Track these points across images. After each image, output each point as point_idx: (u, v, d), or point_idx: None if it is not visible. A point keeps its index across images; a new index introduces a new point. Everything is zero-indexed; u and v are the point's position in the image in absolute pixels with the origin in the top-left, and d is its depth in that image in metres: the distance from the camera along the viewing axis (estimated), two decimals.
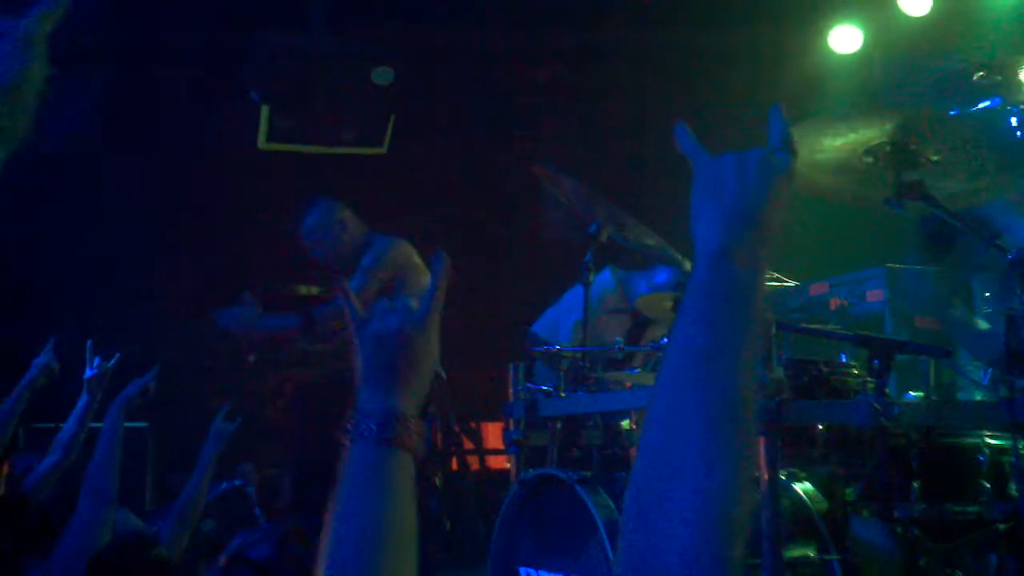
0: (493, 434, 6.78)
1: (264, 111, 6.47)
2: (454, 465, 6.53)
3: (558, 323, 4.89)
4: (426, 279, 5.35)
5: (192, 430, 5.05)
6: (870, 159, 3.28)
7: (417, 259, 5.68)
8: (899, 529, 3.16)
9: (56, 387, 4.49)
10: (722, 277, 1.23)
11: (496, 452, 6.66)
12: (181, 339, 7.13)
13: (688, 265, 4.06)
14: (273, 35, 6.46)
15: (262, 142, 6.62)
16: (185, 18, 6.40)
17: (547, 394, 4.03)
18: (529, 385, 4.06)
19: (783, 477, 3.40)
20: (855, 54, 6.25)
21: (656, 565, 1.05)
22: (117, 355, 4.33)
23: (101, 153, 7.05)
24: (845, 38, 6.26)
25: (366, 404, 1.37)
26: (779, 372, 3.11)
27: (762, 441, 3.03)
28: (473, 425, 6.60)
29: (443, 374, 5.34)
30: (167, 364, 6.97)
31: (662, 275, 4.81)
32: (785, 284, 4.16)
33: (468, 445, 6.63)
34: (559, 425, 3.99)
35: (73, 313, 7.06)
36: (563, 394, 3.98)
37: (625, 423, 3.81)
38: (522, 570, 3.70)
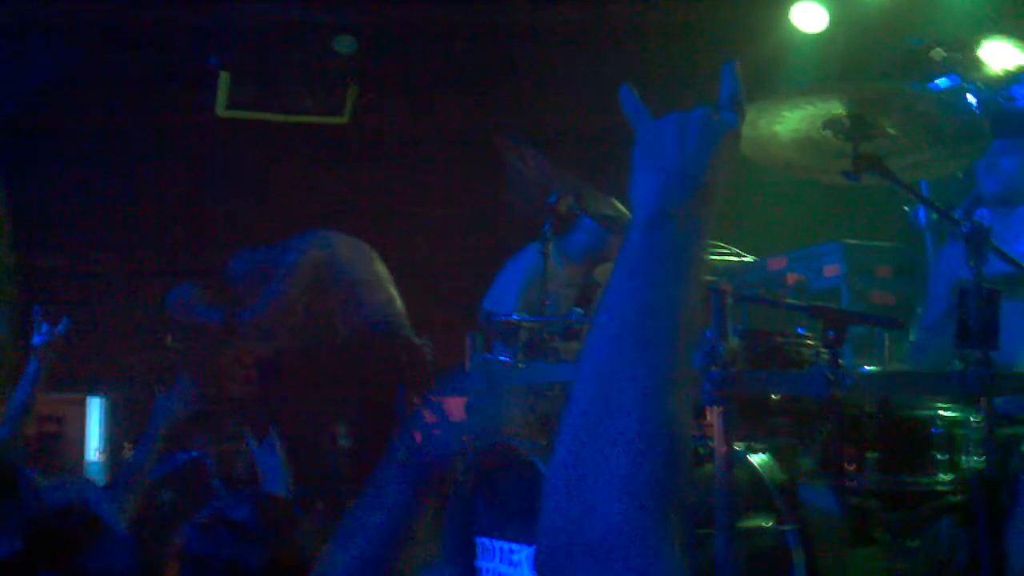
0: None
1: (223, 78, 6.39)
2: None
3: (505, 295, 4.86)
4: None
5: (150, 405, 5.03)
6: (828, 132, 3.28)
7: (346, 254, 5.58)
8: (853, 499, 3.19)
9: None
10: (658, 239, 1.17)
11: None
12: (138, 312, 7.07)
13: None
14: (235, 2, 6.38)
15: (221, 109, 6.55)
16: None
17: (506, 364, 4.02)
18: (487, 356, 4.05)
19: (738, 448, 3.42)
20: (819, 33, 6.27)
21: (592, 536, 1.01)
22: (66, 320, 4.26)
23: (61, 120, 6.99)
24: (809, 17, 6.27)
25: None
26: (734, 342, 3.12)
27: (718, 411, 3.05)
28: (435, 399, 6.58)
29: (421, 344, 5.29)
30: (126, 336, 6.95)
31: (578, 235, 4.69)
32: (743, 259, 4.18)
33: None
34: (517, 394, 3.98)
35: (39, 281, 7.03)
36: (522, 365, 3.98)
37: None
38: (479, 540, 3.70)
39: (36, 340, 4.27)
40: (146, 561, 3.04)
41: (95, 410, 6.96)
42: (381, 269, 5.62)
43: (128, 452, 5.97)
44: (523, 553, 3.47)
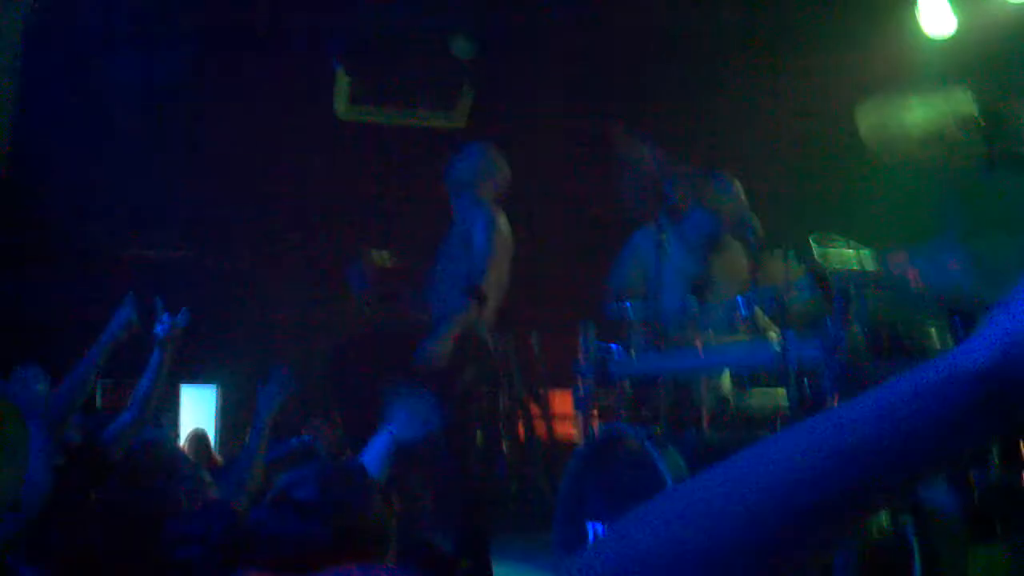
0: (561, 401, 6.76)
1: (343, 81, 6.51)
2: (520, 431, 6.54)
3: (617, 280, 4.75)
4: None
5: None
6: (959, 129, 3.22)
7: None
8: (974, 494, 3.10)
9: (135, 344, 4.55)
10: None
11: (564, 418, 6.64)
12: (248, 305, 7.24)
13: (755, 220, 4.02)
14: (356, 5, 6.49)
15: (341, 111, 6.67)
16: None
17: (617, 354, 4.01)
18: (599, 344, 4.05)
19: None
20: (948, 37, 6.14)
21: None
22: (184, 310, 4.37)
23: (190, 120, 7.18)
24: (938, 20, 6.14)
25: None
26: (856, 330, 3.07)
27: (837, 402, 3.00)
28: (541, 391, 6.60)
29: (492, 342, 5.23)
30: (238, 326, 7.13)
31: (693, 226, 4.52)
32: (863, 252, 4.09)
33: (535, 411, 6.63)
34: (628, 385, 3.97)
35: (147, 270, 7.24)
36: (633, 354, 3.97)
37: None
38: (589, 524, 3.69)
39: (158, 330, 4.39)
40: None
41: (211, 398, 7.17)
42: None
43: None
44: None
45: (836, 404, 2.99)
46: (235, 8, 6.50)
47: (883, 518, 3.35)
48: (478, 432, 4.25)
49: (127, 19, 6.49)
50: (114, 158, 6.73)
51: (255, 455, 4.04)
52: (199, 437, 6.76)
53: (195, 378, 7.36)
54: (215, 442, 7.11)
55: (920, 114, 3.30)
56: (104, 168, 6.69)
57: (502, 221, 4.71)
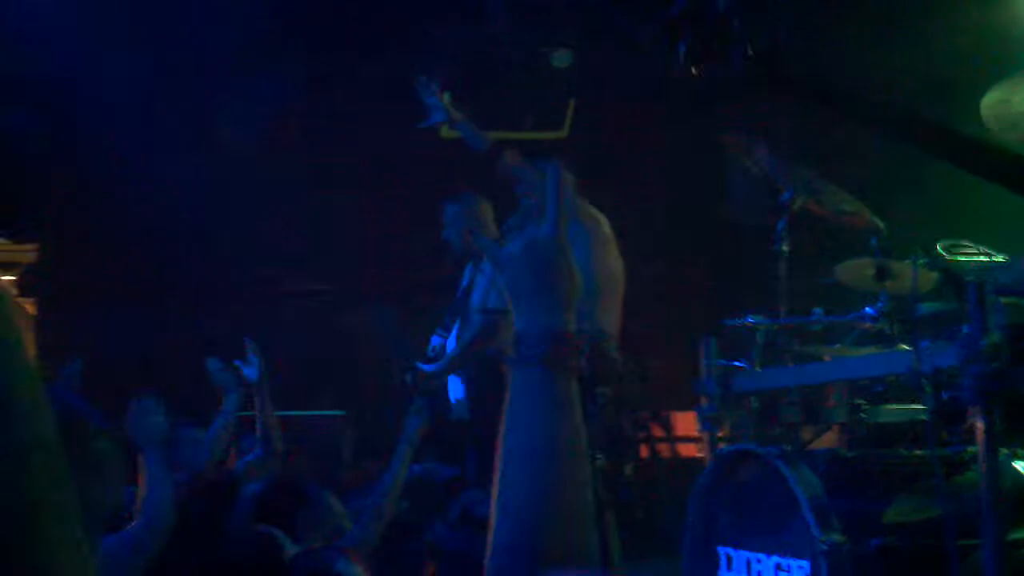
0: (683, 423, 6.64)
1: (445, 98, 6.51)
2: (644, 454, 6.44)
3: None
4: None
5: (385, 417, 5.14)
6: None
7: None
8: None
9: None
10: None
11: (687, 440, 6.52)
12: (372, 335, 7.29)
13: (882, 226, 3.87)
14: (453, 22, 6.50)
15: (444, 130, 6.66)
16: (368, 10, 6.51)
17: (741, 369, 3.90)
18: (721, 361, 3.94)
19: (1002, 453, 3.19)
20: None
21: None
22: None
23: (307, 153, 7.27)
24: None
25: (519, 327, 1.37)
26: (997, 337, 2.90)
27: (980, 412, 2.84)
28: (663, 413, 6.50)
29: (617, 359, 5.17)
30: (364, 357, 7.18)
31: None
32: (995, 258, 3.90)
33: (658, 433, 6.53)
34: (754, 401, 3.85)
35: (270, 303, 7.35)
36: (758, 368, 3.84)
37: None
38: (720, 549, 3.58)
39: (248, 374, 4.39)
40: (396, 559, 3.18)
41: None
42: None
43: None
44: (769, 563, 3.33)
45: (976, 416, 2.84)
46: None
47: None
48: (601, 457, 4.18)
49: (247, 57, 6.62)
50: (230, 192, 6.85)
51: (394, 483, 4.06)
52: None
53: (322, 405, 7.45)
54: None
55: None
56: (222, 203, 6.81)
57: (604, 232, 4.62)
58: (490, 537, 1.29)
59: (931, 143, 1.41)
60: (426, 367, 4.84)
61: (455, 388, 4.92)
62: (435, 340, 5.10)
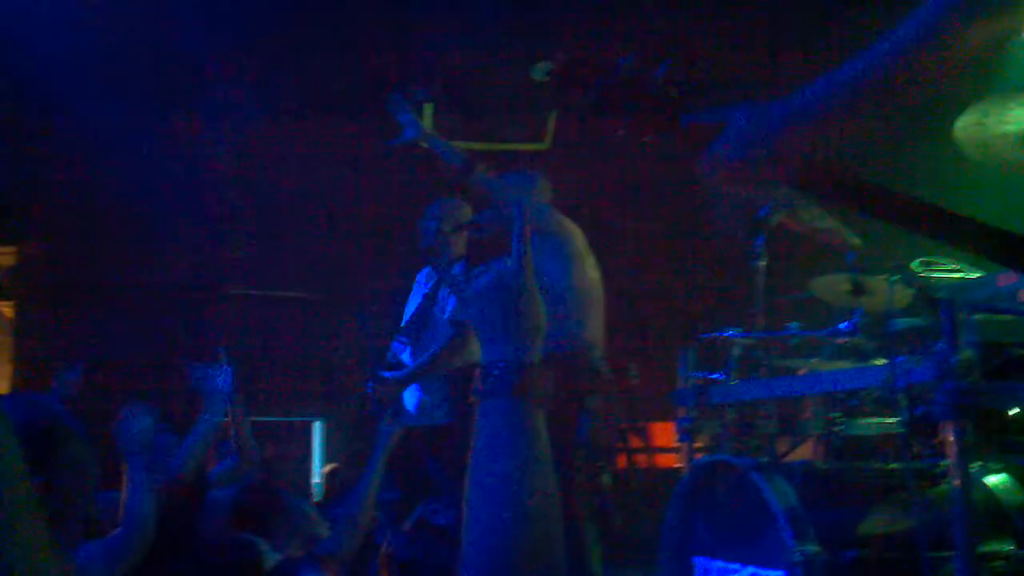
0: (661, 433, 6.70)
1: (427, 109, 6.56)
2: (622, 464, 6.49)
3: None
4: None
5: (360, 424, 5.14)
6: None
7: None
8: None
9: None
10: None
11: (664, 450, 6.57)
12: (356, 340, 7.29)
13: (858, 243, 3.92)
14: (435, 34, 6.53)
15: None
16: (351, 19, 6.53)
17: (719, 382, 3.94)
18: (698, 373, 3.98)
19: (973, 468, 3.25)
20: None
21: None
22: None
23: (292, 164, 7.28)
24: None
25: (486, 359, 1.40)
26: (968, 354, 2.96)
27: (952, 427, 2.90)
28: (641, 424, 6.54)
29: (606, 371, 5.23)
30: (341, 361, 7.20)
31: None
32: (970, 276, 3.96)
33: (636, 444, 6.58)
34: (731, 413, 3.90)
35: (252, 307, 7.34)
36: (735, 381, 3.89)
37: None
38: (696, 560, 3.62)
39: (220, 384, 4.36)
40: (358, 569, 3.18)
41: (317, 433, 7.26)
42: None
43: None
44: (745, 573, 3.38)
45: (949, 431, 2.90)
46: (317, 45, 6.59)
47: (1003, 547, 3.24)
48: (581, 467, 4.20)
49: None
50: (212, 198, 6.85)
51: (368, 491, 4.05)
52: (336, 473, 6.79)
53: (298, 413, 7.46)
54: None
55: (1019, 115, 3.18)
56: (205, 208, 6.82)
57: (579, 245, 4.64)
58: (459, 567, 1.32)
59: (959, 240, 1.40)
60: (388, 375, 4.81)
61: (411, 396, 4.90)
62: (395, 346, 5.08)
